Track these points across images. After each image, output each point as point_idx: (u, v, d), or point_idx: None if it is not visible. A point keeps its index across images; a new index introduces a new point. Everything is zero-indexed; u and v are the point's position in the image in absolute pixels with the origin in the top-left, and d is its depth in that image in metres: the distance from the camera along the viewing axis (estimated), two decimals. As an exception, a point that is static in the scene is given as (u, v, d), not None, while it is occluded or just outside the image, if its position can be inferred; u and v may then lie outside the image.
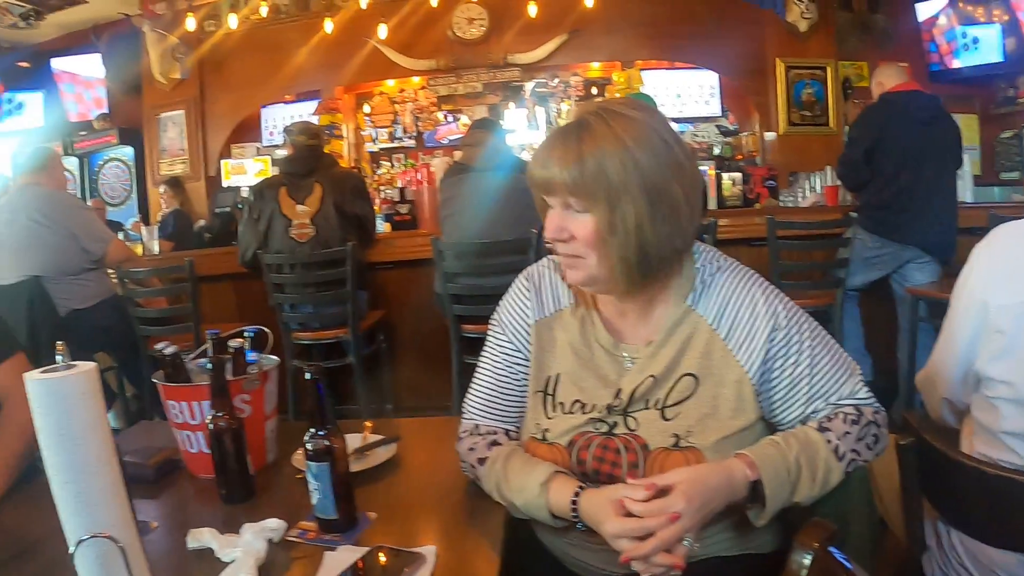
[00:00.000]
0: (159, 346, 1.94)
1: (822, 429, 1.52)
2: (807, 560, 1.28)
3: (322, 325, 4.74)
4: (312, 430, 1.53)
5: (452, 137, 8.32)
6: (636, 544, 1.35)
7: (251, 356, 1.96)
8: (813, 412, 1.56)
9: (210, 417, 1.73)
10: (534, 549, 1.73)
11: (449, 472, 1.82)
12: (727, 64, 7.21)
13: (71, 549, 1.12)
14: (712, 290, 1.61)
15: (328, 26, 7.20)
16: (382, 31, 7.09)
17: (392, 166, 8.31)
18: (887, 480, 1.85)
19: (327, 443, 1.52)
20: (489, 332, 1.81)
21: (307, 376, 1.53)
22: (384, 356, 5.24)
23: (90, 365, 1.14)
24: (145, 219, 8.16)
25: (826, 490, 1.49)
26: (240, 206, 7.20)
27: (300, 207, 4.74)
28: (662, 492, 1.38)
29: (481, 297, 4.33)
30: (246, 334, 1.96)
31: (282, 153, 7.29)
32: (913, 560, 1.84)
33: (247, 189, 7.57)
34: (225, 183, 7.90)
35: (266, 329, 2.08)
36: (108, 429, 1.17)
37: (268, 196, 4.84)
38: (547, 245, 1.62)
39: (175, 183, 7.62)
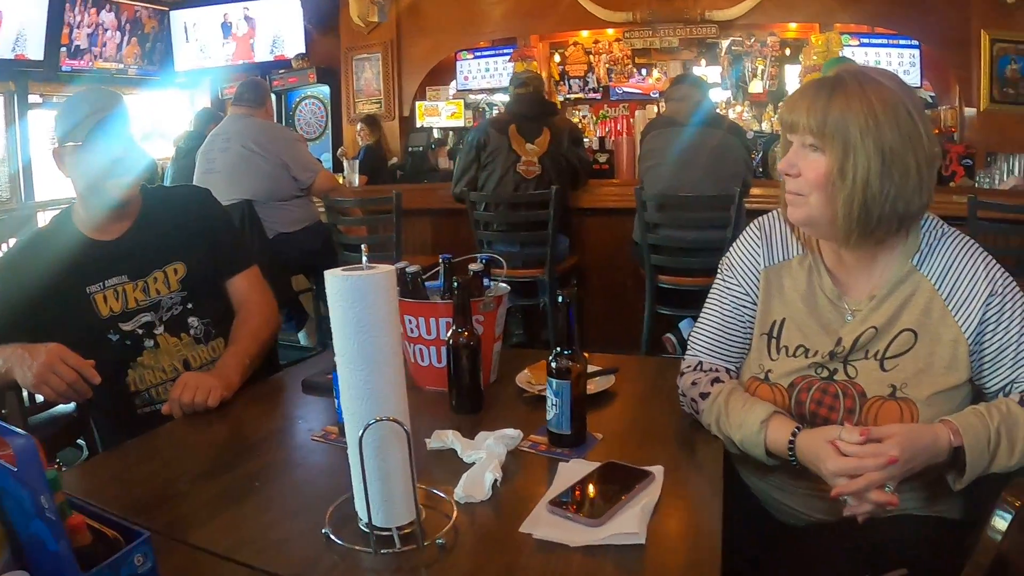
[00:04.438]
0: (399, 265, 2.07)
1: (1023, 402, 1.55)
2: (1007, 519, 1.29)
3: (523, 264, 4.88)
4: (558, 349, 1.64)
5: (632, 91, 8.38)
6: (849, 481, 1.44)
7: (486, 281, 2.08)
8: (1016, 381, 1.60)
9: (451, 333, 1.86)
10: (738, 489, 1.82)
11: (665, 405, 1.93)
12: (929, 32, 6.79)
13: (359, 432, 1.24)
14: (937, 253, 1.67)
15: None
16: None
17: (584, 116, 8.36)
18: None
19: (570, 363, 1.63)
20: (718, 275, 1.90)
21: (559, 299, 1.63)
22: (574, 300, 5.28)
23: (388, 267, 1.27)
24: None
25: None
26: (433, 146, 7.39)
27: (529, 145, 4.93)
28: (874, 440, 1.45)
29: (679, 249, 4.41)
30: (480, 260, 2.07)
31: (500, 99, 7.49)
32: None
33: (439, 131, 7.79)
34: (419, 124, 8.09)
35: (498, 257, 2.19)
36: (399, 325, 1.29)
37: (498, 132, 5.02)
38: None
39: (372, 121, 7.85)
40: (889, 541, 1.53)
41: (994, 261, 1.65)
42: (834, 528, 1.59)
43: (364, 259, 1.31)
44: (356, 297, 1.23)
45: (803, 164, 1.62)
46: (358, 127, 7.85)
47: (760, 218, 1.87)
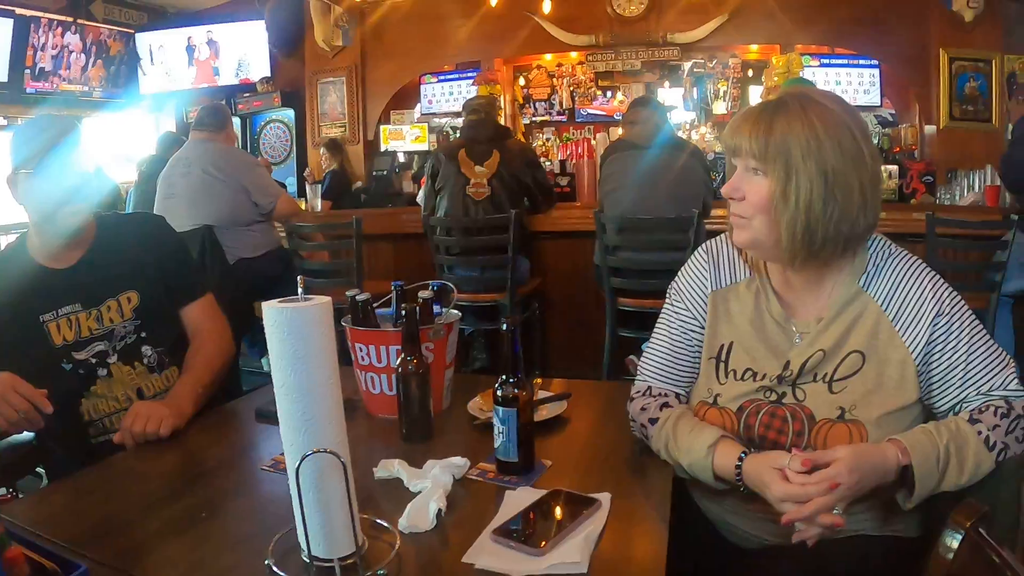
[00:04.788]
0: (350, 293, 2.08)
1: (973, 420, 1.56)
2: (957, 539, 1.30)
3: (484, 288, 4.89)
4: (503, 377, 1.64)
5: (597, 113, 8.46)
6: (798, 507, 1.44)
7: (436, 308, 2.08)
8: (965, 400, 1.61)
9: (400, 361, 1.86)
10: (692, 513, 1.82)
11: (617, 430, 1.92)
12: (888, 52, 6.90)
13: (295, 464, 1.24)
14: (883, 274, 1.67)
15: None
16: (546, 6, 7.05)
17: (548, 139, 8.42)
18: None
19: (516, 390, 1.63)
20: (667, 300, 1.90)
21: (503, 327, 1.64)
22: (536, 323, 5.36)
23: (325, 299, 1.27)
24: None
25: (975, 479, 1.52)
26: (397, 170, 7.40)
27: (479, 167, 4.97)
28: (820, 465, 1.46)
29: (640, 272, 4.42)
30: (431, 287, 2.07)
31: (453, 123, 7.51)
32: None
33: (403, 154, 7.80)
34: (383, 147, 8.10)
35: (449, 284, 2.20)
36: (335, 356, 1.29)
37: (447, 158, 5.07)
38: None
39: (334, 145, 7.82)
40: (844, 562, 1.54)
41: (941, 280, 1.66)
42: (789, 551, 1.58)
43: (300, 290, 1.31)
44: (292, 329, 1.23)
45: (746, 187, 1.63)
46: (321, 151, 7.84)
47: (708, 241, 1.88)
